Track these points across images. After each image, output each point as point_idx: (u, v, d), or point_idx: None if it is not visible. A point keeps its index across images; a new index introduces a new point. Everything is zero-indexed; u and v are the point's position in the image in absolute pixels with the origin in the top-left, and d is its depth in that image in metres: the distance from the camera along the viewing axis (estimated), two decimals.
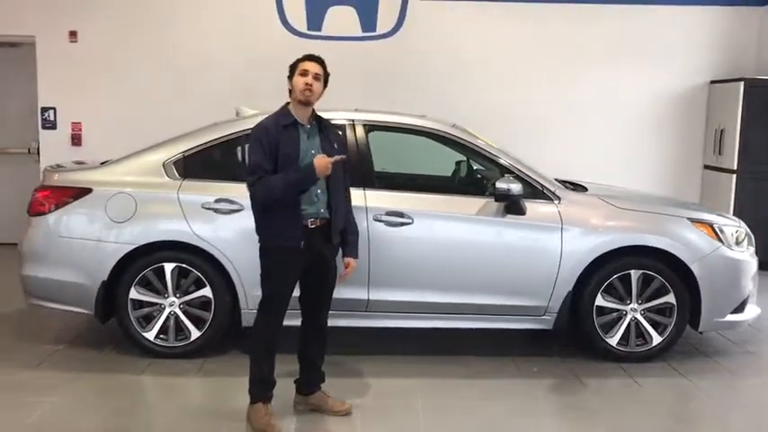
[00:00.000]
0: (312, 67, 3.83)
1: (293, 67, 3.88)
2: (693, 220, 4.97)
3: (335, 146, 3.94)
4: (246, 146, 3.99)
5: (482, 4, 8.16)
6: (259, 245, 3.88)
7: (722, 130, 7.98)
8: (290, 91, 3.88)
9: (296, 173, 3.72)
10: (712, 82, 8.26)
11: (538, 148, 7.57)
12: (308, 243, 3.79)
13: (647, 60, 8.21)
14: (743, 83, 7.70)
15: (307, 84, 3.79)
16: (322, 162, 3.72)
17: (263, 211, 3.82)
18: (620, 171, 7.92)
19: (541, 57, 8.21)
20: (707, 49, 8.28)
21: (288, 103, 3.91)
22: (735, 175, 7.78)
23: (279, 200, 3.73)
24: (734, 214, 7.14)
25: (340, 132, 4.30)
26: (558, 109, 8.21)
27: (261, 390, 3.86)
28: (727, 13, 8.23)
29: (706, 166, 8.37)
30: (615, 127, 8.31)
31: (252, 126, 3.93)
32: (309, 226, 3.81)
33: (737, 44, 8.26)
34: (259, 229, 3.87)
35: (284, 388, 4.03)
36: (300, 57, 3.92)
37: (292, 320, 3.96)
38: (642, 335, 4.91)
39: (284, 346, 3.96)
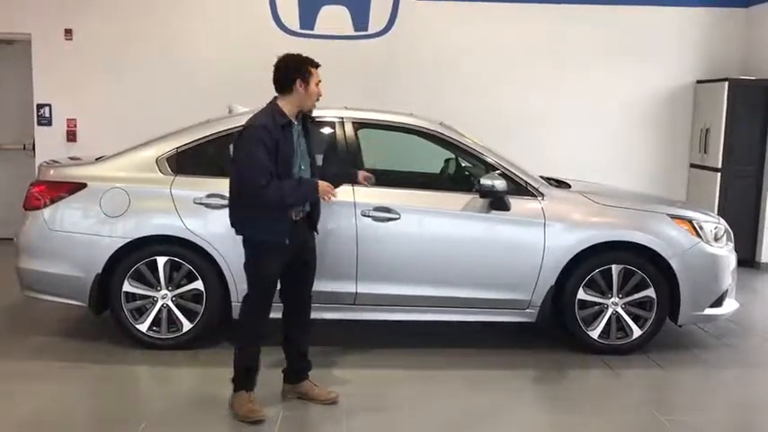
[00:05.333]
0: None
1: (305, 72, 3.85)
2: (673, 217, 5.07)
3: (312, 143, 4.07)
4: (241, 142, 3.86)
5: (473, 4, 8.26)
6: (243, 240, 3.93)
7: (707, 130, 8.09)
8: (290, 90, 3.84)
9: (309, 187, 3.84)
10: (698, 82, 8.37)
11: (527, 145, 7.71)
12: (292, 237, 3.89)
13: (635, 60, 8.32)
14: (727, 83, 7.81)
15: (321, 94, 3.93)
16: (326, 188, 3.87)
17: (258, 208, 3.80)
18: (608, 169, 8.02)
19: (531, 56, 8.31)
20: (693, 50, 8.40)
21: (276, 99, 3.90)
22: (719, 174, 7.89)
23: (285, 206, 3.82)
24: (718, 212, 7.27)
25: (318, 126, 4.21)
26: (547, 108, 8.31)
27: (244, 378, 3.94)
28: (713, 13, 8.36)
29: (692, 165, 8.48)
30: (604, 126, 8.41)
31: (244, 122, 3.92)
32: (294, 218, 3.91)
33: (722, 45, 8.39)
34: (242, 225, 3.92)
35: (272, 377, 4.15)
36: (312, 61, 3.90)
37: (274, 313, 4.04)
38: (623, 328, 5.01)
39: (272, 336, 4.07)
